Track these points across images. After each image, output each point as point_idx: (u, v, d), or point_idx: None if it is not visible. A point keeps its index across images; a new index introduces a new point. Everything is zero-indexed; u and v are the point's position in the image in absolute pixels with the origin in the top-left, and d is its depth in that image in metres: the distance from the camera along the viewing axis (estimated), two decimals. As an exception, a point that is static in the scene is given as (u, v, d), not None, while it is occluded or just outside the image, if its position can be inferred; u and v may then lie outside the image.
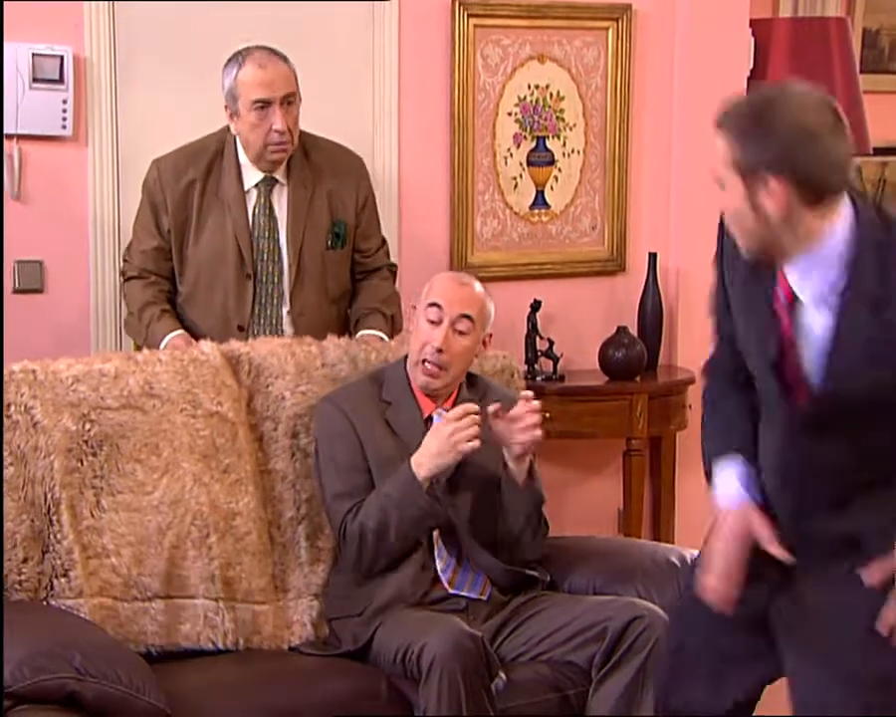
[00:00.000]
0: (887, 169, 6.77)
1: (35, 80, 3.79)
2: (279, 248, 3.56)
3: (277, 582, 3.16)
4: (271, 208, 3.57)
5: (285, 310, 3.57)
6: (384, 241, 3.82)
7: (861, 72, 5.42)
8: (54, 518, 2.97)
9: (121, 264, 3.69)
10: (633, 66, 4.62)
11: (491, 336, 3.33)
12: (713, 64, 4.65)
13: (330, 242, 3.63)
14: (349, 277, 3.71)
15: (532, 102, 4.53)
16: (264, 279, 3.55)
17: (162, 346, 3.46)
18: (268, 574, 3.14)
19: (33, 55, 3.79)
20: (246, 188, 3.56)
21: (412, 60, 4.31)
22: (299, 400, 3.24)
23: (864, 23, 6.51)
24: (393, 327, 3.67)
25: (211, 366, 3.18)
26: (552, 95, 4.55)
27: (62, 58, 3.83)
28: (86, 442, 3.04)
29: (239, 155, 3.56)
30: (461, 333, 3.19)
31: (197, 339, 3.44)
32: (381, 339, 3.57)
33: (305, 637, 3.15)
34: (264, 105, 3.46)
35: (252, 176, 3.57)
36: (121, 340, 3.98)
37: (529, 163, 4.56)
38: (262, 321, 3.55)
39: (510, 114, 4.50)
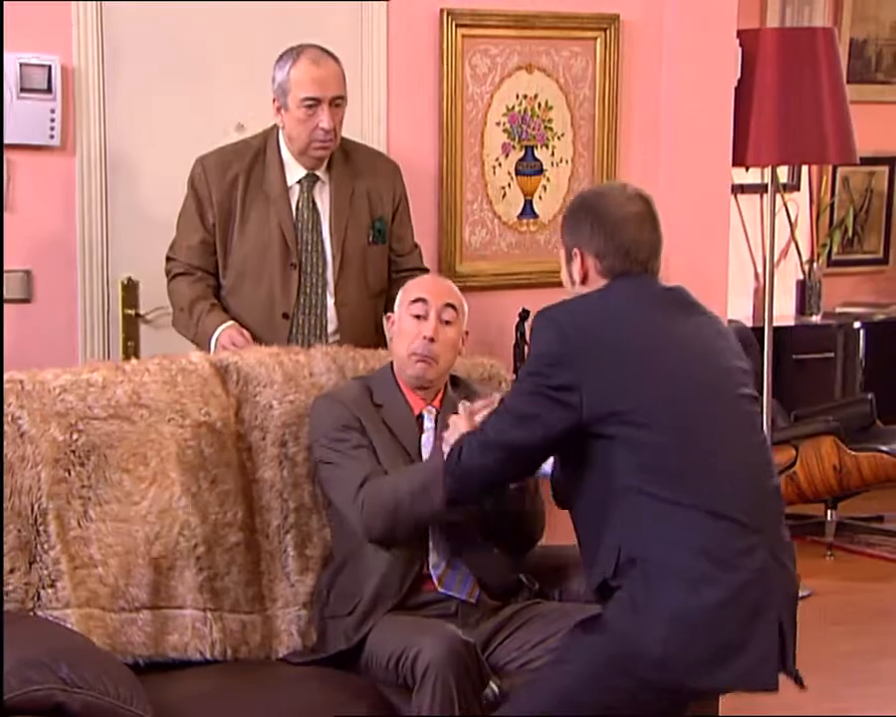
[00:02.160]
0: (874, 179, 6.79)
1: (23, 89, 3.79)
2: (322, 241, 3.68)
3: (265, 591, 3.15)
4: (314, 203, 3.69)
5: (329, 300, 3.69)
6: (417, 245, 3.93)
7: (848, 82, 5.45)
8: (41, 528, 2.96)
9: (166, 264, 3.75)
10: (621, 75, 4.62)
11: (468, 334, 3.38)
12: (700, 74, 4.66)
13: (371, 237, 3.75)
14: (388, 274, 3.82)
15: (520, 111, 4.54)
16: (308, 269, 3.67)
17: (214, 338, 3.57)
18: (256, 583, 3.14)
19: (21, 64, 3.79)
20: (289, 184, 3.67)
21: (401, 69, 4.32)
22: (287, 410, 3.24)
23: (851, 33, 6.55)
24: None
25: (199, 376, 3.18)
26: (540, 104, 4.56)
27: (49, 67, 3.82)
28: (73, 452, 3.03)
29: (282, 152, 3.67)
30: (447, 323, 3.26)
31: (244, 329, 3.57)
32: None
33: (292, 647, 3.14)
34: (313, 103, 3.57)
35: (295, 172, 3.68)
36: (109, 349, 3.98)
37: (517, 173, 4.56)
38: (307, 310, 3.67)
39: (498, 123, 4.50)
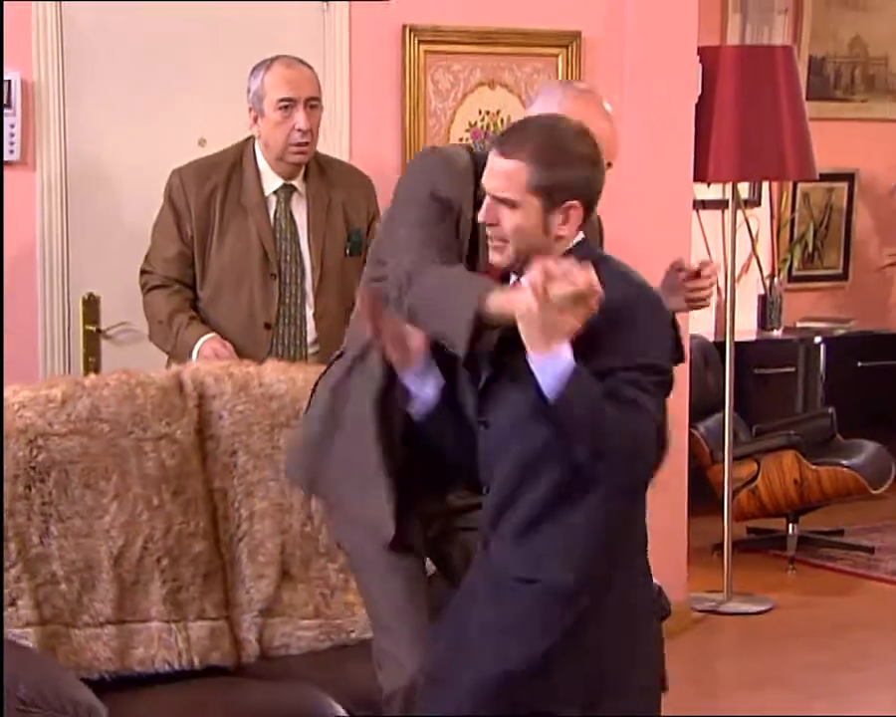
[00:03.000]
0: (833, 195, 6.85)
1: (-18, 104, 3.77)
2: (300, 252, 3.72)
3: (229, 596, 3.15)
4: (291, 214, 3.72)
5: (309, 311, 3.72)
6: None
7: (807, 99, 5.49)
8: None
9: (141, 277, 3.74)
10: (583, 92, 4.64)
11: None
12: (661, 91, 4.70)
13: (348, 250, 3.77)
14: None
15: (483, 127, 4.55)
16: (288, 280, 3.70)
17: (196, 349, 3.60)
18: (220, 590, 3.13)
19: (-20, 80, 3.77)
20: (266, 194, 3.70)
21: (363, 85, 4.33)
22: (237, 419, 3.23)
23: (810, 51, 6.61)
24: None
25: (159, 388, 3.17)
26: (502, 120, 4.57)
27: (9, 82, 3.81)
28: (34, 469, 3.01)
29: (258, 163, 3.70)
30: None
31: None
32: None
33: (252, 654, 3.14)
34: (289, 104, 3.62)
35: (272, 182, 3.70)
36: (70, 366, 3.96)
37: (480, 189, 4.58)
38: (287, 320, 3.70)
39: (461, 139, 4.51)
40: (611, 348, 2.29)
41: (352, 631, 3.18)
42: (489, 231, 2.39)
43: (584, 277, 2.23)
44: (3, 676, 2.52)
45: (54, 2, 3.89)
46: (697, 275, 2.93)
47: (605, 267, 2.36)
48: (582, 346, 2.26)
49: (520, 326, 2.25)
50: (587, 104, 2.79)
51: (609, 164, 2.52)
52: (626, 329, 2.31)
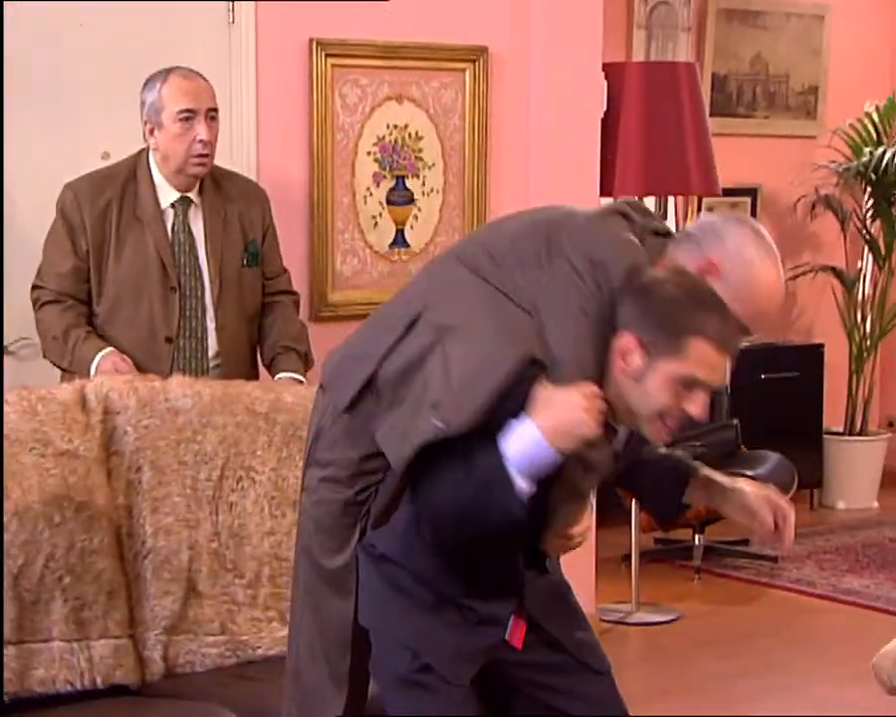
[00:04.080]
0: (737, 210, 6.96)
1: None
2: (199, 265, 3.68)
3: (133, 614, 3.11)
4: (188, 227, 3.68)
5: (210, 324, 3.70)
6: (286, 269, 3.94)
7: (711, 115, 5.59)
8: None
9: (32, 293, 3.68)
10: (490, 107, 4.68)
11: None
12: (568, 106, 4.74)
13: (245, 261, 3.76)
14: (261, 297, 3.84)
15: (391, 141, 4.56)
16: (188, 292, 3.67)
17: (94, 364, 3.54)
18: (124, 608, 3.09)
19: None
20: (163, 207, 3.66)
21: (270, 98, 4.31)
22: (141, 435, 3.19)
23: (714, 68, 6.72)
24: (307, 364, 3.81)
25: (60, 403, 3.12)
26: (410, 134, 4.59)
27: None
28: (-66, 485, 2.95)
29: (153, 175, 3.66)
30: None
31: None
32: (300, 381, 3.68)
33: (157, 673, 3.10)
34: (190, 116, 3.59)
35: (168, 195, 3.67)
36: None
37: (388, 202, 4.59)
38: (188, 334, 3.67)
39: (369, 153, 4.52)
40: None
41: (259, 648, 3.16)
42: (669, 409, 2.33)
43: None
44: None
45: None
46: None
47: None
48: None
49: (547, 410, 2.26)
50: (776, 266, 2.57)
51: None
52: None
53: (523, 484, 2.25)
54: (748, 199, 6.88)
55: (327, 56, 4.38)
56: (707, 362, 2.28)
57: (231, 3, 4.23)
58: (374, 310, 2.73)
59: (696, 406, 2.30)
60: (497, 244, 2.50)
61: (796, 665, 4.72)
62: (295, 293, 3.95)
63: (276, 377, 3.72)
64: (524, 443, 2.25)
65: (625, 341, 2.30)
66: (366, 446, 2.51)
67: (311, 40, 4.35)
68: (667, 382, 2.29)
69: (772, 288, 2.49)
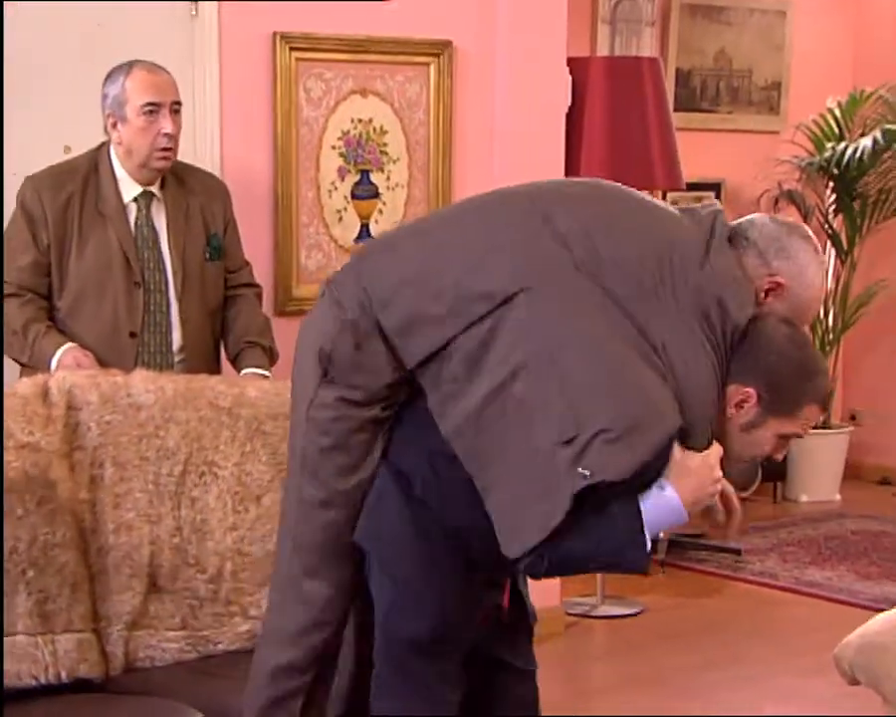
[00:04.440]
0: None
1: None
2: (162, 259, 3.67)
3: (97, 608, 3.10)
4: (152, 221, 3.67)
5: (174, 318, 3.68)
6: (248, 262, 3.94)
7: (675, 110, 5.60)
8: None
9: None
10: (455, 101, 4.69)
11: None
12: (532, 100, 4.75)
13: (208, 254, 3.75)
14: (224, 291, 3.84)
15: (355, 135, 4.56)
16: (151, 287, 3.65)
17: (55, 359, 3.52)
18: (87, 602, 3.07)
19: None
20: (125, 201, 3.65)
21: (234, 92, 4.30)
22: (104, 430, 3.18)
23: (677, 63, 6.75)
24: (272, 358, 3.80)
25: (21, 397, 3.11)
26: (375, 129, 4.59)
27: None
28: None
29: (115, 170, 3.64)
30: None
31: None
32: (266, 376, 3.67)
33: (119, 668, 3.10)
34: (154, 109, 3.57)
35: (130, 190, 3.65)
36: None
37: (353, 197, 4.58)
38: (152, 328, 3.65)
39: (333, 147, 4.51)
40: None
41: (220, 643, 3.15)
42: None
43: None
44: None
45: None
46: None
47: None
48: None
49: (687, 479, 2.35)
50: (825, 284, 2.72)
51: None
52: None
53: (649, 542, 2.36)
54: (712, 194, 6.91)
55: (291, 49, 4.37)
56: (813, 420, 2.48)
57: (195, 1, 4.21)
58: (435, 221, 2.70)
59: (783, 453, 2.50)
60: (621, 257, 2.41)
61: (759, 657, 4.75)
62: (257, 286, 3.95)
63: (241, 373, 3.72)
64: (662, 510, 2.34)
65: (747, 393, 2.41)
66: (396, 375, 2.47)
67: (274, 33, 4.34)
68: (776, 437, 2.45)
69: (818, 304, 2.62)
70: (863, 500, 6.90)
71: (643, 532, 2.32)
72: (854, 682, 3.09)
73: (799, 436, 2.47)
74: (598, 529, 2.31)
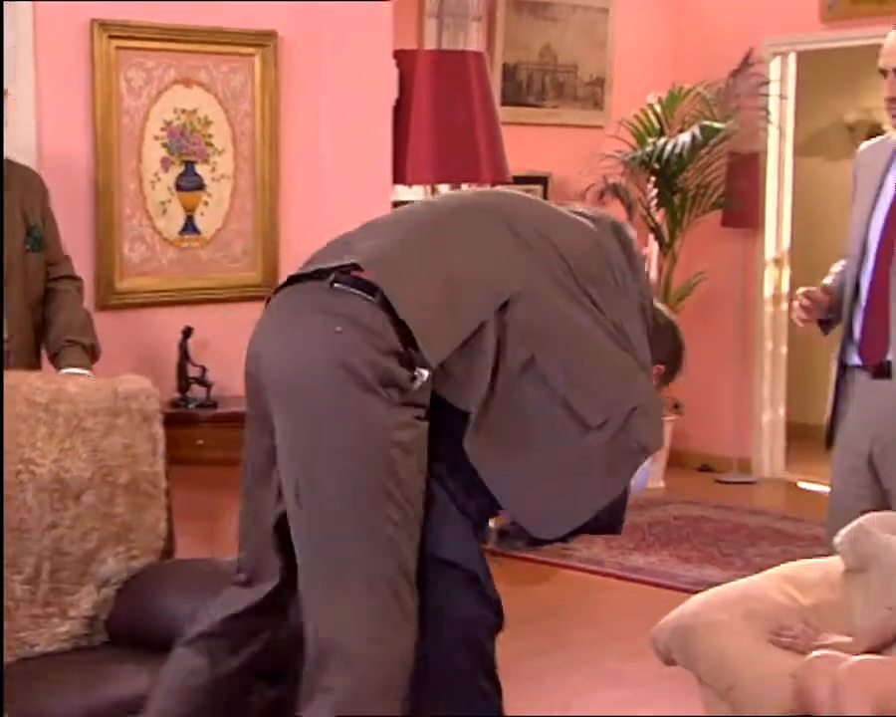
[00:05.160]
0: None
1: None
2: None
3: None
4: None
5: None
6: (68, 255, 3.86)
7: (502, 104, 5.67)
8: None
9: None
10: (281, 92, 4.65)
11: None
12: (358, 92, 4.75)
13: (29, 246, 3.68)
14: (44, 284, 3.76)
15: (179, 126, 4.49)
16: None
17: None
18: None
19: None
20: None
21: (51, 80, 4.19)
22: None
23: (504, 58, 6.83)
24: (93, 355, 3.72)
25: None
26: (199, 119, 4.53)
27: None
28: None
29: None
30: None
31: None
32: (87, 376, 3.57)
33: None
34: None
35: None
36: None
37: (178, 188, 4.51)
38: None
39: (156, 138, 4.44)
40: None
41: (37, 645, 3.09)
42: None
43: None
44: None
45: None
46: None
47: None
48: None
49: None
50: None
51: None
52: None
53: None
54: (539, 187, 7.01)
55: (110, 37, 4.28)
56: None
57: (9, -19, 4.09)
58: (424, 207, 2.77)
59: None
60: (575, 254, 2.61)
61: (585, 642, 4.84)
62: (78, 279, 3.87)
63: (60, 372, 3.63)
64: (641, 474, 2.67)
65: (659, 369, 2.84)
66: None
67: (92, 21, 4.24)
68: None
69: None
70: (685, 486, 7.09)
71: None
72: (671, 663, 3.16)
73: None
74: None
